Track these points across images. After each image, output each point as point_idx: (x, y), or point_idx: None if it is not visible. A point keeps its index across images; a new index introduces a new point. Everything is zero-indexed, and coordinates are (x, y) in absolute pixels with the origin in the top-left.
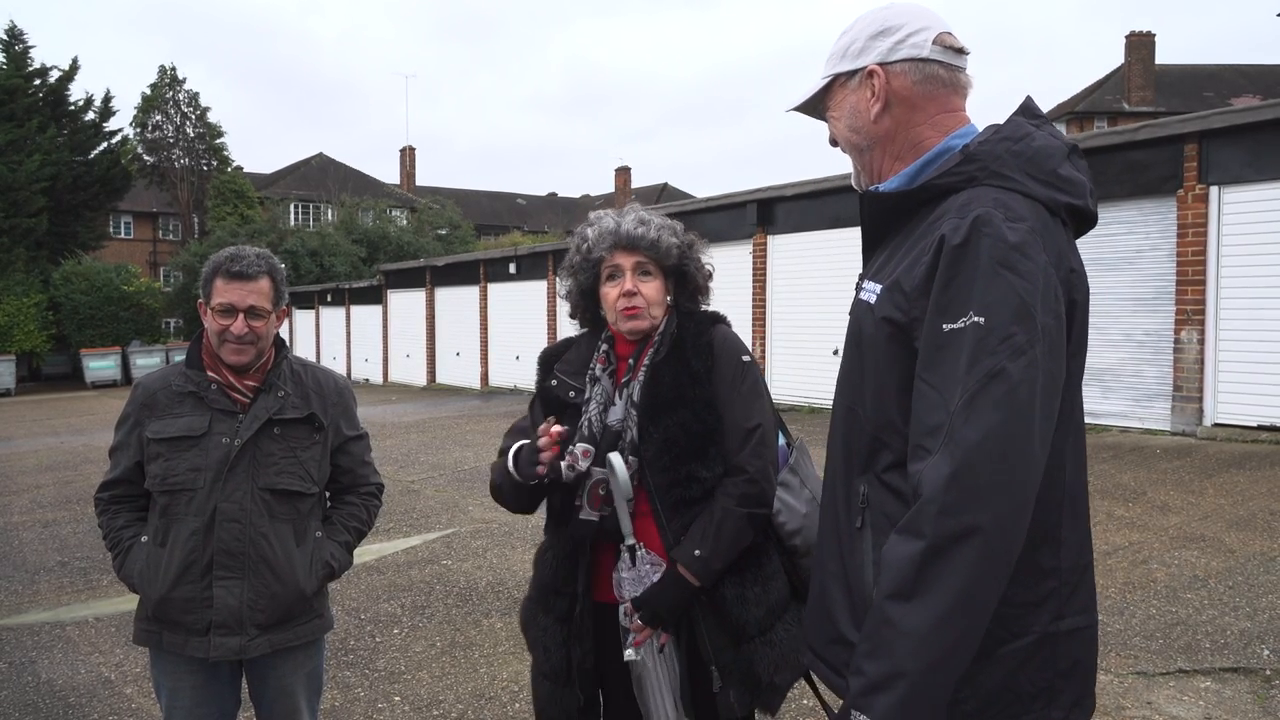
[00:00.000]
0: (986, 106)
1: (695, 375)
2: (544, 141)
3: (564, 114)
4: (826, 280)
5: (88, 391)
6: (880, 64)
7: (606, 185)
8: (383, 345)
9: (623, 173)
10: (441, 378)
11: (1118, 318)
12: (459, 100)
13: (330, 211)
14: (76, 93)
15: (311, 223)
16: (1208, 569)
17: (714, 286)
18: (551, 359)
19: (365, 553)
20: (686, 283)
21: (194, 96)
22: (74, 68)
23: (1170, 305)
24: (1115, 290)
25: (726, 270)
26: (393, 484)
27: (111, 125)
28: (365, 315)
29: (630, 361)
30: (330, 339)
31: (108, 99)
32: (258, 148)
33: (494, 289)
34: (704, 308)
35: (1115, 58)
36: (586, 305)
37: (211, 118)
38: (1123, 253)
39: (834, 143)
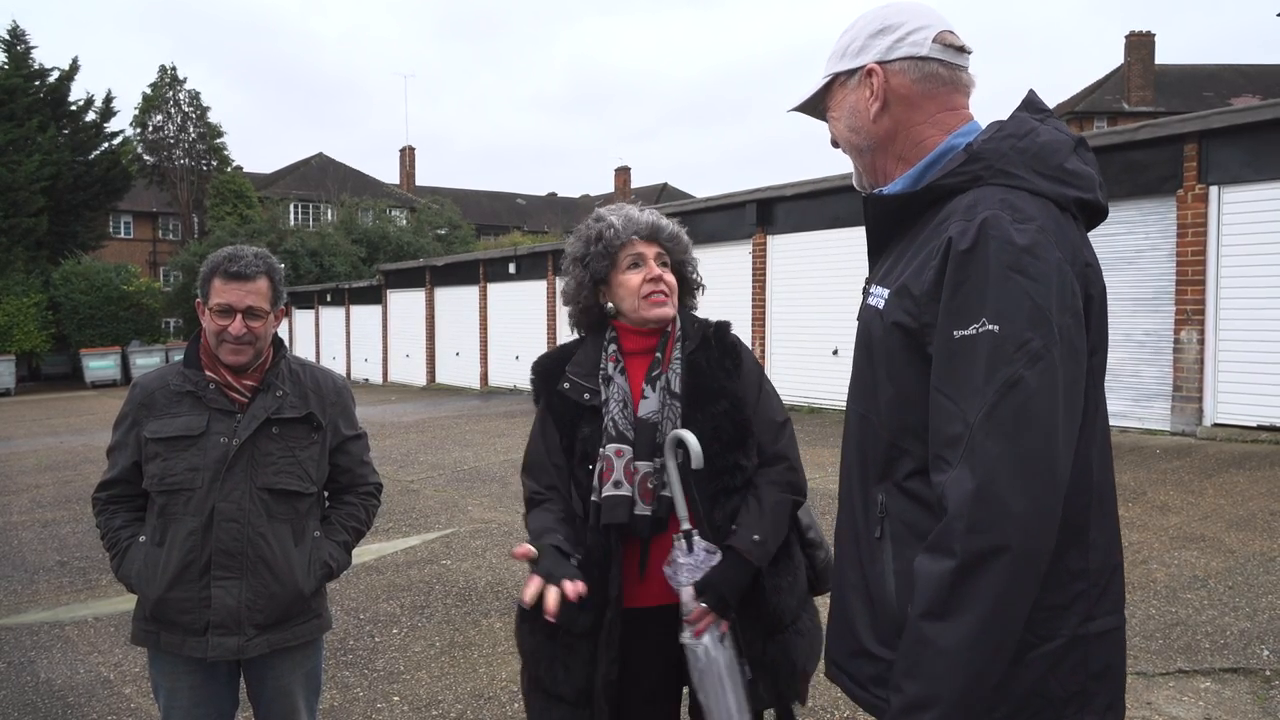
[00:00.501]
0: (990, 105)
1: (725, 369)
2: (545, 141)
3: (566, 113)
4: (826, 280)
5: (87, 391)
6: (879, 62)
7: (606, 185)
8: (382, 345)
9: (622, 173)
10: (441, 378)
11: (1117, 318)
12: (461, 99)
13: (330, 211)
14: (77, 92)
15: (311, 223)
16: (1207, 569)
17: (713, 286)
18: (551, 366)
19: (364, 553)
20: (685, 284)
21: (195, 96)
22: (74, 67)
23: (1170, 305)
24: (1115, 290)
25: (726, 270)
26: (392, 484)
27: (112, 125)
28: (365, 315)
29: (658, 355)
30: (330, 339)
31: (108, 99)
32: (258, 148)
33: (494, 289)
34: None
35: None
36: (593, 301)
37: (212, 118)
38: (1122, 253)
39: (835, 144)
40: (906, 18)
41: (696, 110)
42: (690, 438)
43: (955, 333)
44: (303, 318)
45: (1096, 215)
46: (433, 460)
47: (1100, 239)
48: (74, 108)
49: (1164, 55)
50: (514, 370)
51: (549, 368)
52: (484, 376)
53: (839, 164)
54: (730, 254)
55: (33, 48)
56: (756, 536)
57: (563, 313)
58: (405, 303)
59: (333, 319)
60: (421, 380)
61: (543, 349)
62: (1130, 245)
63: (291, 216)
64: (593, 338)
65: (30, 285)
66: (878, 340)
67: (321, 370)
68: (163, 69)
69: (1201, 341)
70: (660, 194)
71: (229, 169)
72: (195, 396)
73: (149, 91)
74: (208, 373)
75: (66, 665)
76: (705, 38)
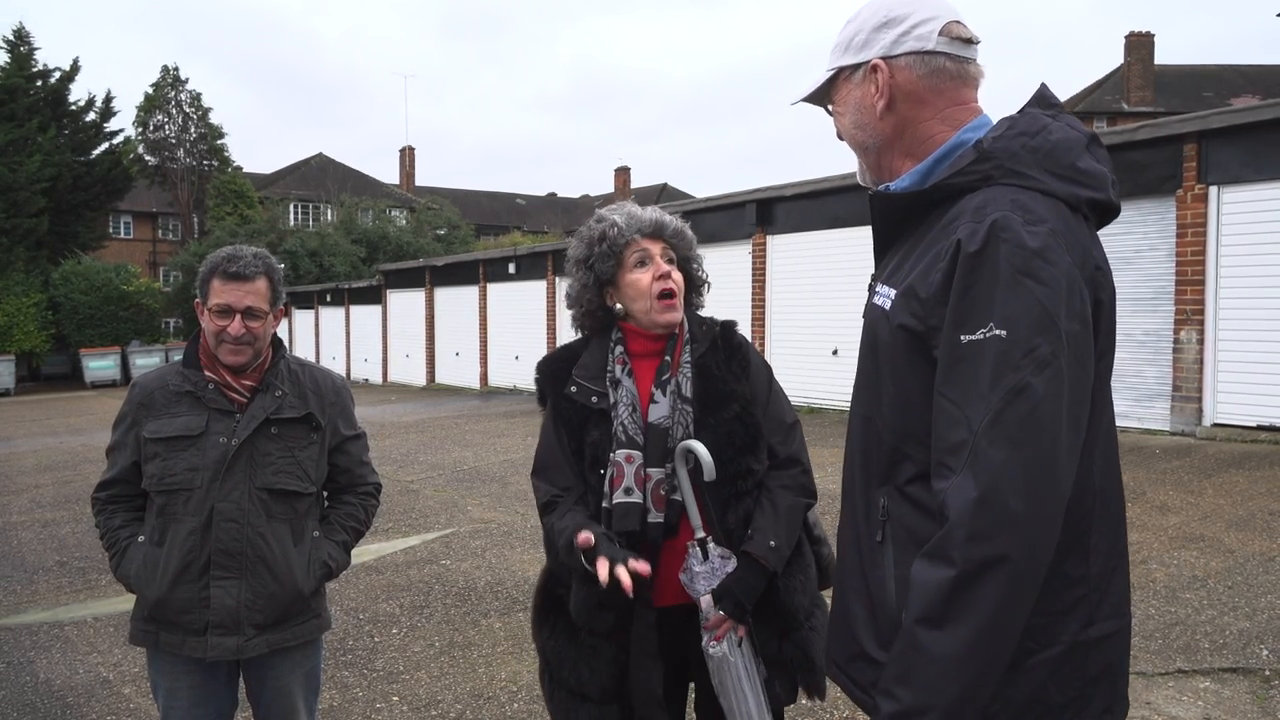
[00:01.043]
0: (990, 105)
1: (734, 372)
2: (546, 141)
3: (568, 113)
4: (826, 280)
5: (87, 391)
6: (884, 58)
7: (606, 185)
8: (382, 345)
9: (622, 173)
10: (441, 378)
11: (1117, 318)
12: (463, 99)
13: (330, 211)
14: (78, 92)
15: (311, 223)
16: (1207, 569)
17: (713, 286)
18: (557, 367)
19: (364, 553)
20: (691, 281)
21: (196, 97)
22: (75, 68)
23: (1169, 305)
24: (1115, 290)
25: (726, 270)
26: (392, 484)
27: (113, 125)
28: (364, 315)
29: (666, 358)
30: (329, 339)
31: (109, 99)
32: (258, 147)
33: (493, 289)
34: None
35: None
36: (599, 304)
37: (214, 117)
38: (1122, 253)
39: (841, 137)
40: (913, 9)
41: (699, 110)
42: (701, 449)
43: (962, 337)
44: (302, 318)
45: (1109, 214)
46: (432, 460)
47: (1100, 239)
48: (75, 108)
49: (1164, 55)
50: (514, 370)
51: (555, 369)
52: (484, 377)
53: (839, 164)
54: (730, 254)
55: (36, 49)
56: (773, 542)
57: (563, 313)
58: (405, 303)
59: (332, 319)
60: (421, 380)
61: (542, 349)
62: (1130, 245)
63: (291, 217)
64: (598, 339)
65: (30, 285)
66: (883, 342)
67: (320, 370)
68: (165, 69)
69: (1201, 341)
70: (660, 194)
71: (229, 169)
72: (194, 397)
73: (150, 91)
74: (207, 373)
75: (66, 665)
76: (709, 37)
